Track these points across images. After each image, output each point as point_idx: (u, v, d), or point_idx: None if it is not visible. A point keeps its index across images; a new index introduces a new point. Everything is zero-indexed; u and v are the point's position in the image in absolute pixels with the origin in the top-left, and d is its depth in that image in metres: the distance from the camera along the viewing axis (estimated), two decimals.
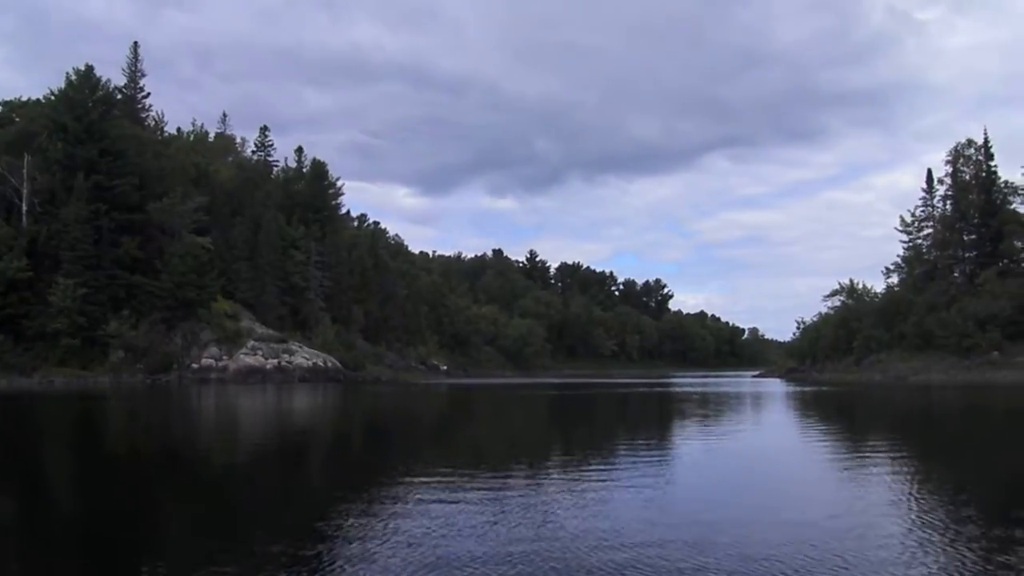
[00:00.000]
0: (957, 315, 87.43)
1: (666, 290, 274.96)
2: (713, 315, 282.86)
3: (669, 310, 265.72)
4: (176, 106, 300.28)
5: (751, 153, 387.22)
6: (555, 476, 17.34)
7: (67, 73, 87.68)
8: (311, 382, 79.68)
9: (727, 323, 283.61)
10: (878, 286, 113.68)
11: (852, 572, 9.12)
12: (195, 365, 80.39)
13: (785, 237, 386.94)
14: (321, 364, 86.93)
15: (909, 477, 17.55)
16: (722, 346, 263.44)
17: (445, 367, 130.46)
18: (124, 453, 23.37)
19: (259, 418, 38.07)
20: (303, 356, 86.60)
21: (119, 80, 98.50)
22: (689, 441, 25.84)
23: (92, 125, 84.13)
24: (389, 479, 16.96)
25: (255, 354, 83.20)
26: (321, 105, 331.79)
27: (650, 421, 36.98)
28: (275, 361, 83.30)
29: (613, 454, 22.05)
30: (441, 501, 13.67)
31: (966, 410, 43.80)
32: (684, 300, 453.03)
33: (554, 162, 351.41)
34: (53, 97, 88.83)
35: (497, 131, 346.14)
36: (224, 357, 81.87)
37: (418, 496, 14.26)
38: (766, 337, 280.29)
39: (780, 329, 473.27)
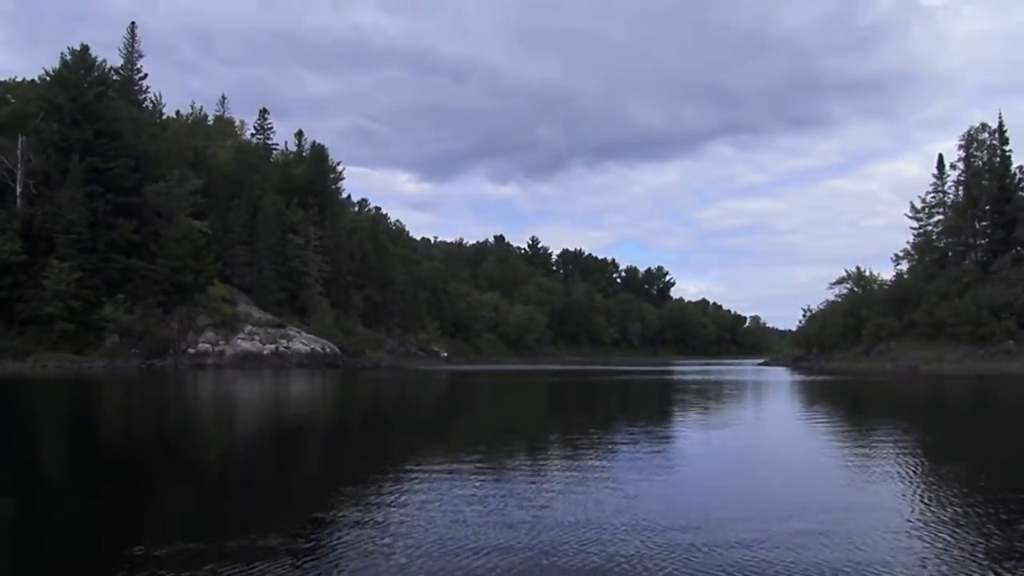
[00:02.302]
0: (971, 303, 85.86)
1: (668, 277, 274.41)
2: (715, 303, 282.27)
3: (671, 298, 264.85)
4: (177, 90, 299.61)
5: (754, 140, 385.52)
6: (555, 465, 16.81)
7: (62, 53, 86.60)
8: (309, 368, 78.58)
9: (728, 311, 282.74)
10: (881, 275, 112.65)
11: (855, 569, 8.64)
12: (191, 350, 79.42)
13: (787, 225, 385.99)
14: (319, 350, 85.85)
15: (923, 472, 16.36)
16: (723, 334, 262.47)
17: (445, 353, 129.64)
18: (117, 441, 22.55)
19: (256, 405, 37.18)
20: (301, 341, 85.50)
21: (116, 61, 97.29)
22: (693, 432, 24.55)
23: (87, 106, 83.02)
24: (387, 468, 16.32)
25: (252, 339, 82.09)
26: (322, 90, 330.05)
27: (654, 411, 35.45)
28: (272, 346, 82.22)
29: (614, 444, 20.97)
30: (440, 490, 13.26)
31: (984, 401, 42.41)
32: (686, 288, 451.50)
33: (556, 148, 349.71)
34: (48, 78, 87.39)
35: (499, 117, 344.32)
36: (221, 342, 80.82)
37: (416, 485, 13.78)
38: (767, 325, 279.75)
39: (781, 317, 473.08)
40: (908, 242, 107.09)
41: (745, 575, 8.44)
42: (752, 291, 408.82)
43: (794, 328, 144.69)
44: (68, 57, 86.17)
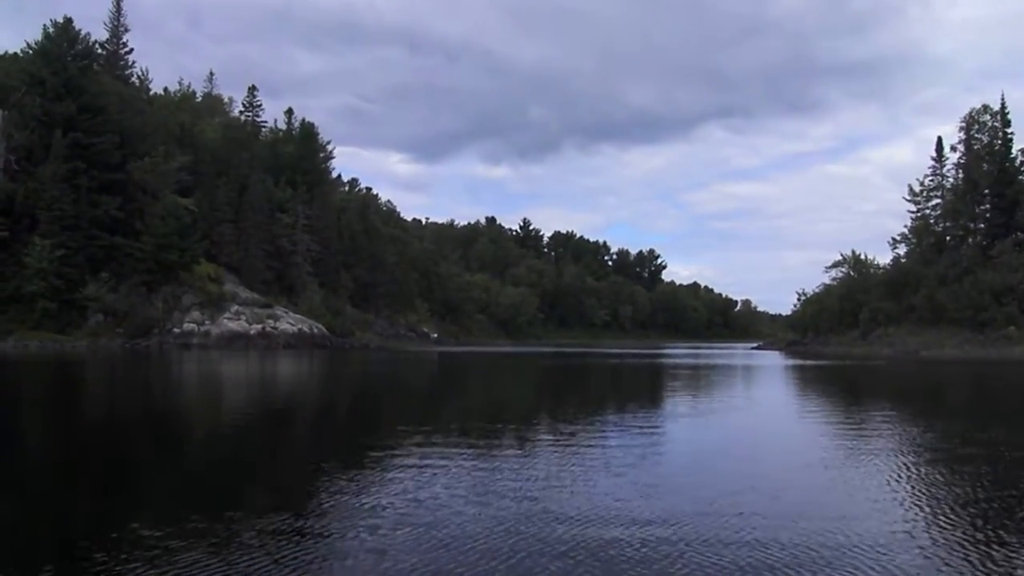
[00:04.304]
0: (971, 288, 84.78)
1: (659, 260, 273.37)
2: (706, 286, 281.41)
3: (662, 281, 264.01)
4: (166, 67, 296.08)
5: (747, 124, 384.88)
6: (543, 450, 16.25)
7: (44, 26, 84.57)
8: (296, 348, 77.50)
9: (720, 294, 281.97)
10: (877, 259, 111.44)
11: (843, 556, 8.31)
12: (176, 330, 78.10)
13: (778, 210, 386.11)
14: (307, 330, 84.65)
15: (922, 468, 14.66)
16: (714, 317, 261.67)
17: (435, 335, 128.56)
18: (100, 422, 21.73)
19: (242, 385, 36.26)
20: (288, 322, 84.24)
21: (102, 35, 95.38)
22: (687, 421, 23.02)
23: (70, 80, 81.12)
24: (375, 450, 15.84)
25: (239, 319, 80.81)
26: (313, 68, 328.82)
27: (647, 397, 33.96)
28: (259, 326, 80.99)
29: (604, 430, 19.79)
30: (429, 472, 13.06)
31: (991, 388, 41.14)
32: (677, 271, 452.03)
33: (549, 130, 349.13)
34: (31, 51, 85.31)
35: (492, 97, 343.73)
36: (207, 322, 79.51)
37: (405, 467, 13.62)
38: (758, 309, 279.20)
39: (772, 301, 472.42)
40: (906, 226, 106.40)
41: (725, 564, 8.06)
42: (743, 275, 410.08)
43: (785, 312, 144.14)
44: (51, 30, 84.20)
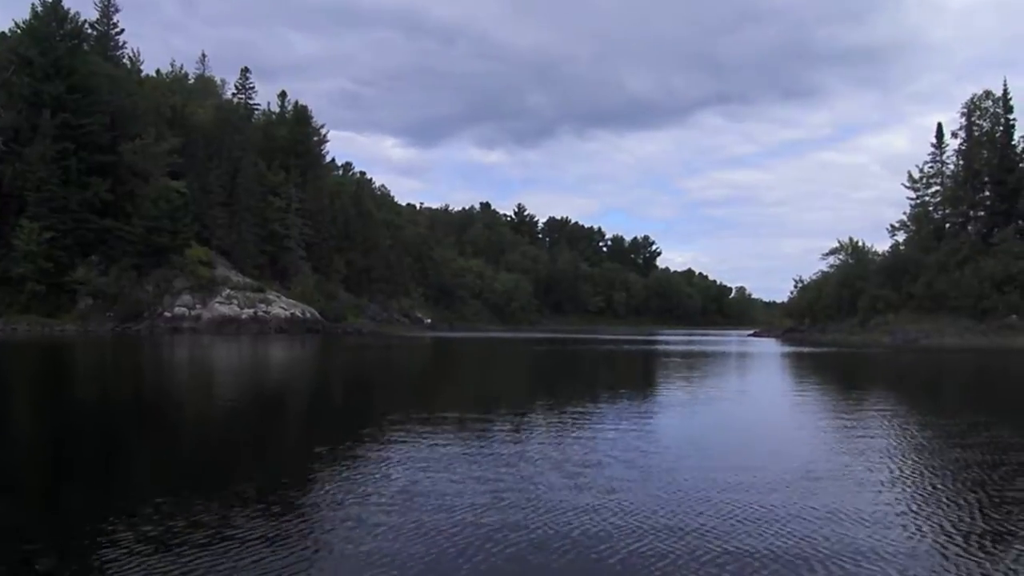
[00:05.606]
0: (972, 276, 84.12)
1: (654, 247, 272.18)
2: (700, 273, 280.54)
3: (656, 267, 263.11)
4: (160, 49, 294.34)
5: (744, 111, 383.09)
6: (534, 438, 16.00)
7: (33, 4, 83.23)
8: (288, 333, 76.85)
9: (714, 281, 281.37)
10: (875, 247, 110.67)
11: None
12: (167, 314, 77.23)
13: (774, 197, 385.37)
14: (299, 315, 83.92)
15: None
16: (709, 304, 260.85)
17: (429, 320, 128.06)
18: (89, 407, 21.36)
19: (232, 371, 35.60)
20: (280, 306, 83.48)
21: (92, 15, 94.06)
22: (688, 412, 22.18)
23: (59, 60, 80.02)
24: (367, 436, 15.94)
25: (230, 303, 79.98)
26: (308, 51, 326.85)
27: (639, 385, 32.98)
28: (251, 311, 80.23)
29: (598, 419, 19.32)
30: (421, 459, 13.01)
31: (995, 380, 40.41)
32: (672, 258, 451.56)
33: (545, 115, 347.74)
34: (18, 30, 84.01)
35: (488, 82, 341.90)
36: (198, 306, 78.65)
37: (397, 453, 13.60)
38: (752, 296, 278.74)
39: (766, 289, 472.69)
40: (905, 213, 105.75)
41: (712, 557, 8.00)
42: (737, 262, 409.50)
43: (779, 299, 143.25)
44: (39, 9, 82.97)
